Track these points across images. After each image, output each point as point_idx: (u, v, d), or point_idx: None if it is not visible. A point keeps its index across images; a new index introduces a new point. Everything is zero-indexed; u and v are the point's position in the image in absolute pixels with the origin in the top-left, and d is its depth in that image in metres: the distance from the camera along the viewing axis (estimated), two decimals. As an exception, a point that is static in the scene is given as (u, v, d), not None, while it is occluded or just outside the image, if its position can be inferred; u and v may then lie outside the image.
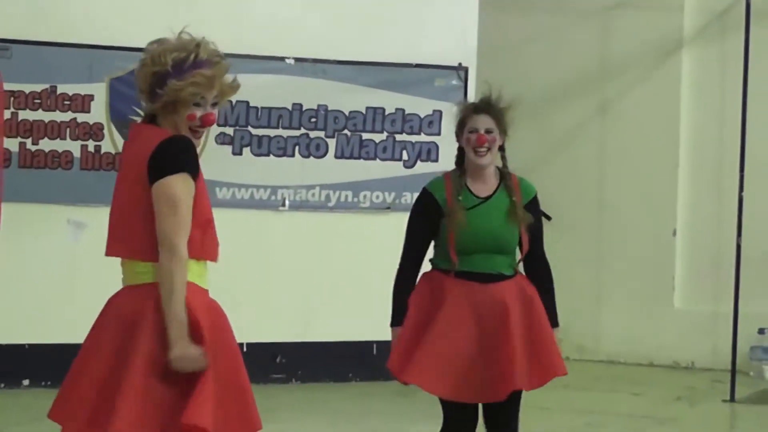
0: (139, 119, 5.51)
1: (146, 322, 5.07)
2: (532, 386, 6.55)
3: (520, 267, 6.73)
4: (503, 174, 6.69)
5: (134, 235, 5.17)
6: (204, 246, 5.20)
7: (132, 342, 5.04)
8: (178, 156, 5.10)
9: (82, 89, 11.42)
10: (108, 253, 5.34)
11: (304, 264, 11.19)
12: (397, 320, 6.61)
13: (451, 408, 6.57)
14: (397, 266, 6.71)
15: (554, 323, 6.69)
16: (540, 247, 6.85)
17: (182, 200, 5.05)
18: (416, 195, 6.83)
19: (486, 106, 6.68)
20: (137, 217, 5.14)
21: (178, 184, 5.05)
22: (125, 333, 5.10)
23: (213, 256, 5.27)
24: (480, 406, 6.67)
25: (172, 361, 4.97)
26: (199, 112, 5.20)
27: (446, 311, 6.54)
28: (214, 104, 5.26)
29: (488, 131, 6.57)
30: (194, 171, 5.12)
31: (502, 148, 6.73)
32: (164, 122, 5.25)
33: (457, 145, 6.74)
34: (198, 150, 5.21)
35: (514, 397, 6.60)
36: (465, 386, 6.45)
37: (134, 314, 5.12)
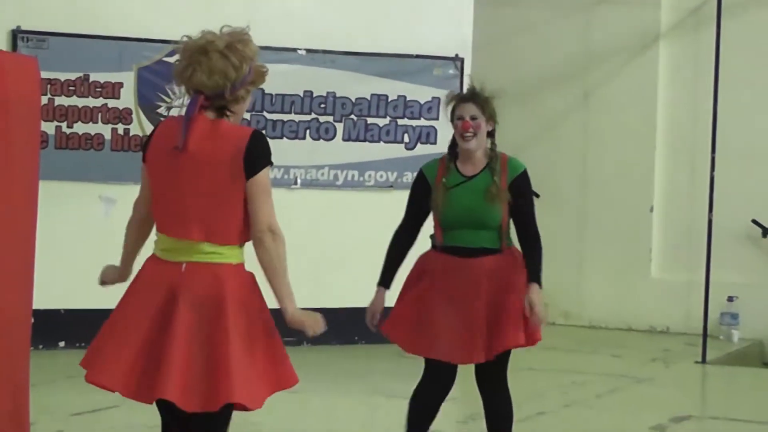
0: (170, 109, 5.48)
1: (232, 301, 5.09)
2: (488, 357, 6.57)
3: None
4: (491, 156, 6.69)
5: (218, 221, 5.12)
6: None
7: (221, 319, 5.05)
8: (267, 150, 5.15)
9: (113, 77, 11.41)
10: (178, 235, 5.16)
11: (314, 237, 11.22)
12: (382, 280, 6.70)
13: (429, 365, 6.59)
14: None
15: (535, 280, 6.62)
16: (529, 220, 6.80)
17: (271, 188, 5.12)
18: (416, 174, 6.86)
19: (471, 96, 6.71)
20: (225, 205, 5.11)
21: (268, 175, 5.11)
22: (206, 310, 5.08)
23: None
24: (474, 365, 6.69)
25: (295, 320, 5.14)
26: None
27: (427, 281, 6.61)
28: None
29: (473, 118, 6.60)
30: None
31: (491, 134, 6.72)
32: (233, 115, 5.24)
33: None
34: None
35: (501, 358, 6.62)
36: (439, 346, 6.49)
37: (215, 293, 5.09)
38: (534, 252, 6.73)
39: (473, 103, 6.68)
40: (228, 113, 5.20)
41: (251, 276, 5.22)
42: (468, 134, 6.60)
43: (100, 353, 5.28)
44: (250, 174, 5.06)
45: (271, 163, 5.15)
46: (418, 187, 6.74)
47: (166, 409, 5.26)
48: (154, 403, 5.22)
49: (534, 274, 6.65)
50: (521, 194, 6.74)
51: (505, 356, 6.67)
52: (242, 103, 5.26)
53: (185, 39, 5.26)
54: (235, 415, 5.29)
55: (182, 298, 5.08)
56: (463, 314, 6.55)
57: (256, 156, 5.09)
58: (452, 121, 6.70)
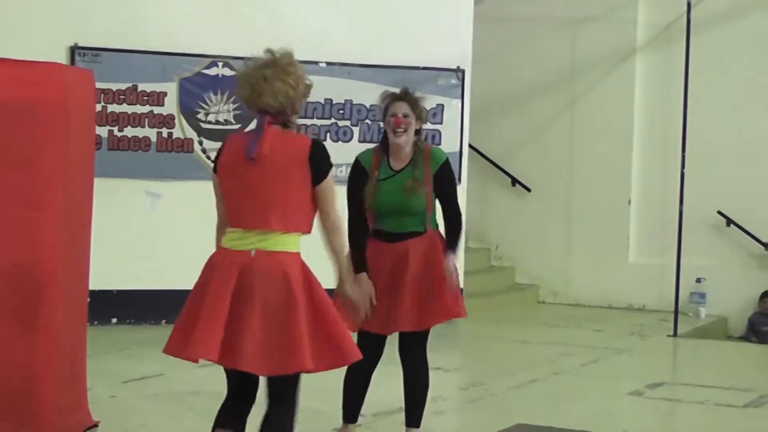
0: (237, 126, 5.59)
1: (297, 284, 5.26)
2: (415, 327, 6.58)
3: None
4: (416, 150, 6.67)
5: (293, 215, 5.33)
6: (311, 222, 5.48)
7: (292, 299, 5.22)
8: (327, 155, 5.40)
9: (157, 87, 11.41)
10: (257, 226, 5.32)
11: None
12: (362, 268, 6.56)
13: (361, 336, 6.57)
14: None
15: (452, 248, 6.67)
16: (452, 203, 6.75)
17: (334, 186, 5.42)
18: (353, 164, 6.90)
19: (404, 95, 6.68)
20: (296, 201, 5.33)
21: (333, 175, 5.41)
22: (282, 292, 5.24)
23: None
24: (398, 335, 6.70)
25: (350, 297, 5.56)
26: None
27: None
28: None
29: (405, 115, 6.59)
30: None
31: (418, 132, 6.71)
32: (292, 125, 5.44)
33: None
34: None
35: (423, 330, 6.64)
36: (372, 320, 6.46)
37: (287, 277, 5.26)
38: (455, 227, 6.72)
39: (405, 102, 6.65)
40: (290, 124, 5.41)
41: (305, 263, 5.38)
42: (399, 130, 6.60)
43: (191, 334, 5.31)
44: (317, 176, 5.33)
45: (330, 165, 5.41)
46: (356, 174, 6.78)
47: (239, 376, 5.41)
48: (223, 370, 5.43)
49: (452, 244, 6.68)
50: (445, 181, 6.69)
51: (427, 329, 6.67)
52: (297, 115, 5.50)
53: (243, 65, 5.47)
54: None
55: (254, 279, 5.24)
56: (393, 290, 6.54)
57: (322, 161, 5.35)
58: (383, 118, 6.70)
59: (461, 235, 6.79)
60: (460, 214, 6.77)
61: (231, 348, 5.23)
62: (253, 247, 5.29)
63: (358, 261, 6.52)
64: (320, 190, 5.34)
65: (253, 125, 5.45)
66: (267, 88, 5.31)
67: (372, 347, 6.65)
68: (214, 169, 5.48)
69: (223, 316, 5.22)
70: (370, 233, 6.68)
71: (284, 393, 5.40)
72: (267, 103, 5.32)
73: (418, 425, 6.75)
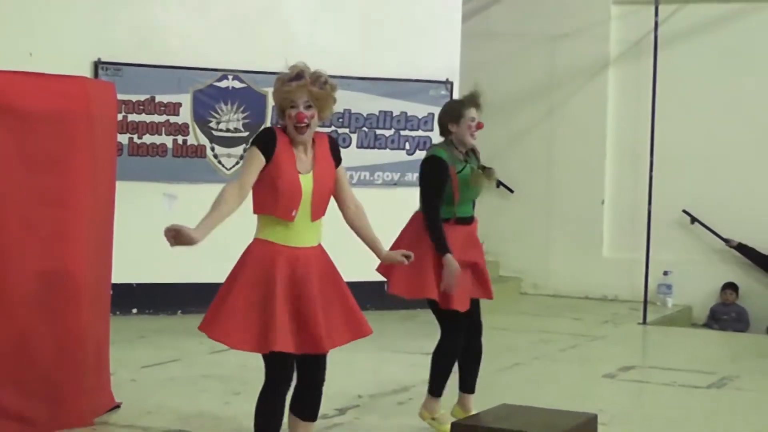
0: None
1: (334, 269, 5.56)
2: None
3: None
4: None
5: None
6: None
7: (337, 285, 5.50)
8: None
9: (173, 98, 11.41)
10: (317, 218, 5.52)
11: (335, 223, 11.19)
12: (447, 248, 6.57)
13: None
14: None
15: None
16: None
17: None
18: (416, 175, 6.89)
19: (480, 104, 6.81)
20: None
21: None
22: (328, 278, 5.47)
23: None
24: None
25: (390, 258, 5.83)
26: None
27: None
28: None
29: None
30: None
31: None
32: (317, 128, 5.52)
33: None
34: None
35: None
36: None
37: (327, 265, 5.54)
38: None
39: (477, 110, 6.82)
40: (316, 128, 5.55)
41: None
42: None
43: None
44: (337, 165, 5.61)
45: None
46: (443, 171, 6.66)
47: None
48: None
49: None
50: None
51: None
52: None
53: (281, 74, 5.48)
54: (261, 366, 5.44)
55: (306, 270, 5.37)
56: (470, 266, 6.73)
57: (339, 152, 5.68)
58: (459, 120, 6.75)
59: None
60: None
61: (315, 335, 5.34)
62: (312, 242, 5.55)
63: (445, 242, 6.55)
64: (341, 175, 5.67)
65: None
66: (331, 100, 5.54)
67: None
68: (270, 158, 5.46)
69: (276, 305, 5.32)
70: (450, 220, 6.69)
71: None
72: (328, 115, 5.66)
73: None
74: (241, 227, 5.79)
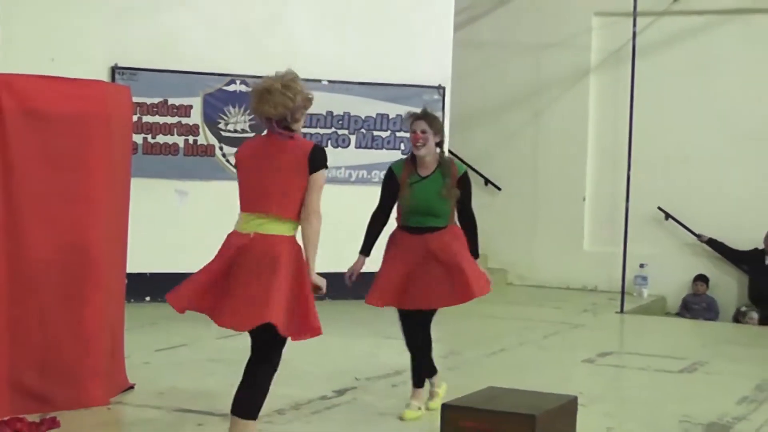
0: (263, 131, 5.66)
1: (285, 260, 5.38)
2: (449, 304, 6.72)
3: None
4: (440, 161, 6.73)
5: (289, 204, 5.44)
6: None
7: (276, 270, 5.34)
8: (325, 157, 5.50)
9: (185, 101, 11.42)
10: (259, 210, 5.47)
11: (334, 218, 11.18)
12: (364, 249, 6.69)
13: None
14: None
15: (475, 253, 6.75)
16: (469, 207, 6.78)
17: (323, 186, 5.49)
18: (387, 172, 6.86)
19: (423, 115, 6.70)
20: (293, 194, 5.44)
21: (324, 176, 5.48)
22: (269, 264, 5.36)
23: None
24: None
25: (314, 282, 5.44)
26: None
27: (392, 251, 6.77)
28: None
29: (423, 131, 6.61)
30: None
31: (439, 145, 6.71)
32: (296, 131, 5.52)
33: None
34: None
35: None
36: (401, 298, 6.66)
37: (276, 254, 5.39)
38: (472, 228, 6.75)
39: (424, 120, 6.66)
40: (292, 130, 5.49)
41: (299, 247, 5.48)
42: (419, 144, 6.61)
43: (192, 290, 5.53)
44: (311, 171, 5.42)
45: (325, 167, 5.49)
46: (391, 181, 6.71)
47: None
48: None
49: (475, 248, 6.74)
50: (465, 189, 6.69)
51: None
52: (300, 122, 5.54)
53: (254, 82, 5.58)
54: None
55: (248, 256, 5.41)
56: (417, 273, 6.57)
57: (318, 160, 5.44)
58: (410, 134, 6.69)
59: (473, 222, 6.79)
60: (474, 217, 6.79)
61: (256, 308, 5.34)
62: (252, 231, 5.44)
63: (366, 245, 6.65)
64: (309, 182, 5.42)
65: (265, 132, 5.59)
66: (270, 99, 5.41)
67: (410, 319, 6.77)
68: (235, 162, 5.71)
69: (235, 283, 5.41)
70: (399, 227, 6.70)
71: (268, 352, 5.47)
72: (269, 112, 5.43)
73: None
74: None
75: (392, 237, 6.76)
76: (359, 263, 6.66)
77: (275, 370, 5.52)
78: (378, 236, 6.74)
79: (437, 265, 6.55)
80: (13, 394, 6.36)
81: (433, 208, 6.60)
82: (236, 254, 5.42)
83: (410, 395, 6.86)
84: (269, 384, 5.51)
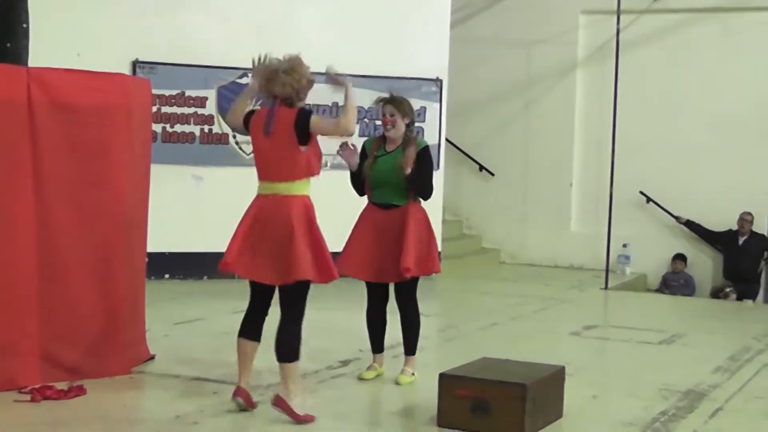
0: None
1: (296, 221, 5.65)
2: (402, 279, 6.61)
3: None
4: (405, 139, 6.69)
5: (293, 168, 5.70)
6: (312, 168, 5.78)
7: (292, 231, 5.62)
8: (309, 115, 5.75)
9: (200, 93, 11.41)
10: (268, 179, 5.74)
11: (337, 200, 11.21)
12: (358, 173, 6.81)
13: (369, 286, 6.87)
14: None
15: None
16: (425, 179, 6.70)
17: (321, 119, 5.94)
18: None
19: (390, 99, 6.72)
20: (292, 158, 5.69)
21: (318, 118, 5.81)
22: (283, 225, 5.64)
23: (317, 173, 5.85)
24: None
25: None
26: None
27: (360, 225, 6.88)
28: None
29: (391, 114, 6.66)
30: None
31: (408, 125, 6.71)
32: (298, 105, 5.79)
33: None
34: None
35: (412, 281, 6.67)
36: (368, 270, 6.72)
37: (288, 216, 5.65)
38: (418, 190, 6.62)
39: (392, 105, 6.69)
40: (295, 105, 5.78)
41: (311, 204, 5.75)
42: (387, 126, 6.65)
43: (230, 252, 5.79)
44: (304, 131, 5.68)
45: (311, 112, 5.76)
46: (362, 155, 6.74)
47: (260, 290, 5.88)
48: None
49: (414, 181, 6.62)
50: (422, 162, 6.60)
51: (414, 280, 6.68)
52: (303, 102, 5.84)
53: (262, 63, 5.95)
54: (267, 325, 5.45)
55: (266, 216, 5.72)
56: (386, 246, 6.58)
57: (301, 121, 5.68)
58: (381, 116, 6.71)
59: (423, 191, 6.64)
60: (422, 189, 6.62)
61: (252, 265, 5.70)
62: (270, 193, 5.73)
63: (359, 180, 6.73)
64: (315, 128, 5.70)
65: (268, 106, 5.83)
66: (278, 80, 5.71)
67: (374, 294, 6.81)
68: (247, 127, 5.89)
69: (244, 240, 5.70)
70: (368, 202, 6.74)
71: (295, 303, 5.70)
72: (277, 91, 5.72)
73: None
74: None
75: (362, 212, 6.80)
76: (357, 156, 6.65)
77: (303, 316, 5.76)
78: (359, 185, 6.80)
79: (391, 242, 6.56)
80: (43, 364, 6.39)
81: (391, 180, 6.58)
82: (258, 213, 5.72)
83: (404, 362, 6.91)
84: (300, 327, 5.74)
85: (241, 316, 6.01)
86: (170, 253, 11.07)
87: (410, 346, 6.87)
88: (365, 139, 6.96)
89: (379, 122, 12.17)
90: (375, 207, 6.71)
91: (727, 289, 12.97)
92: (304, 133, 5.68)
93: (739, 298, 12.75)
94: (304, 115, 5.71)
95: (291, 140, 5.67)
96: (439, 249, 7.07)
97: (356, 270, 6.64)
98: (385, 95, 6.81)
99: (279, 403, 5.71)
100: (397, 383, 6.76)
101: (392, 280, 6.66)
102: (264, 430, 5.71)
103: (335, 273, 5.77)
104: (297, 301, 5.72)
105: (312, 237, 5.69)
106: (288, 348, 5.68)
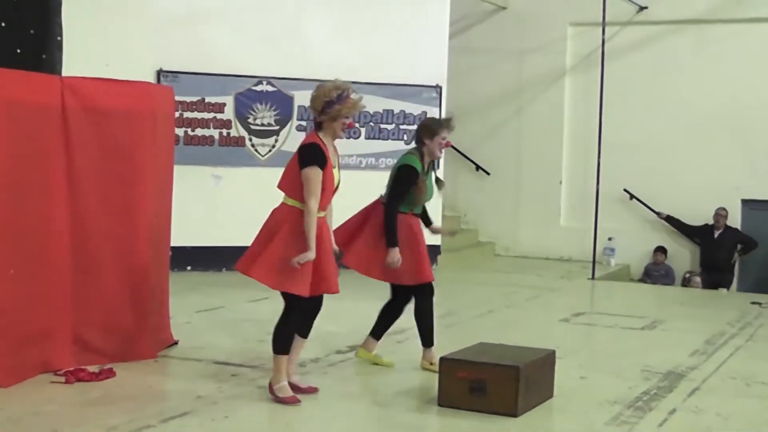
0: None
1: (285, 225, 5.65)
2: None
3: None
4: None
5: (293, 187, 5.67)
6: (322, 201, 5.69)
7: (277, 232, 5.64)
8: (310, 156, 5.64)
9: (219, 99, 11.40)
10: (280, 187, 5.75)
11: (347, 198, 11.24)
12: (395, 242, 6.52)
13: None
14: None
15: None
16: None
17: (311, 178, 5.59)
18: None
19: (453, 126, 6.70)
20: (294, 179, 5.66)
21: (308, 172, 5.60)
22: (275, 227, 5.66)
23: (324, 207, 5.76)
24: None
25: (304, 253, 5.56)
26: (348, 121, 5.77)
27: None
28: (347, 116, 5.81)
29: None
30: (321, 163, 5.58)
31: None
32: (327, 128, 5.77)
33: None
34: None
35: None
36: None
37: (282, 220, 5.67)
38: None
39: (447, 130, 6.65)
40: (323, 127, 5.80)
41: (299, 215, 5.61)
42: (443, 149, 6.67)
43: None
44: (301, 168, 5.64)
45: (308, 164, 5.59)
46: (415, 175, 6.54)
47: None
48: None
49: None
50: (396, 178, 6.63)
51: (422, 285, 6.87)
52: (332, 124, 5.78)
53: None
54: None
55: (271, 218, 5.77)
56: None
57: (301, 158, 5.65)
58: (434, 137, 6.55)
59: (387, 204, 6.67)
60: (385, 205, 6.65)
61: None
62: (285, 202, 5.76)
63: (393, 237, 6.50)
64: (302, 175, 5.61)
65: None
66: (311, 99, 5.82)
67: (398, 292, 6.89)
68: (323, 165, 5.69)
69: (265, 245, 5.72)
70: (407, 213, 6.61)
71: (285, 303, 5.74)
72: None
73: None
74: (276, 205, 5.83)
75: (408, 223, 6.63)
76: (396, 256, 6.52)
77: (289, 315, 5.75)
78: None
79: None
80: (76, 349, 6.41)
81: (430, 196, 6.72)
82: (270, 217, 5.78)
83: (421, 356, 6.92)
84: (285, 326, 5.76)
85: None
86: (192, 247, 11.08)
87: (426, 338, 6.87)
88: (407, 156, 6.66)
89: (383, 126, 12.31)
90: (415, 215, 6.69)
91: (688, 274, 13.08)
92: (302, 165, 5.66)
93: (714, 287, 12.76)
94: (303, 154, 5.65)
95: (294, 163, 5.73)
96: (438, 243, 7.09)
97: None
98: (448, 117, 6.72)
99: (269, 387, 5.90)
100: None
101: (406, 282, 6.74)
102: (277, 408, 5.73)
103: (307, 290, 5.63)
104: (286, 301, 5.75)
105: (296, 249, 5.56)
106: (272, 341, 5.82)
